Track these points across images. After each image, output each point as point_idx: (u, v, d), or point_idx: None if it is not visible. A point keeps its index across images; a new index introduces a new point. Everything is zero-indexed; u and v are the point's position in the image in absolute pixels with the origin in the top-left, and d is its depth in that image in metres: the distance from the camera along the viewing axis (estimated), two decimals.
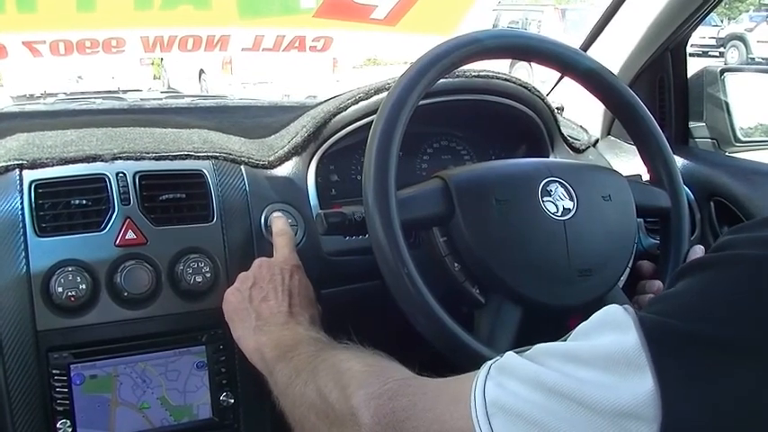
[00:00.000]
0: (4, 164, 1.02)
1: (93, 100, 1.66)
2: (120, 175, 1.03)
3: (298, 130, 1.18)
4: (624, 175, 1.05)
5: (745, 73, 1.59)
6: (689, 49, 1.47)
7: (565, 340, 0.60)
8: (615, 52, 1.42)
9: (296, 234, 1.08)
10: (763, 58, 13.42)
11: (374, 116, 0.90)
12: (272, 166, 1.16)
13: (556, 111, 1.33)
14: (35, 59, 1.34)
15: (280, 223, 1.06)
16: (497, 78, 1.23)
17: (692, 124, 1.47)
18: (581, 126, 1.50)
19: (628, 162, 1.33)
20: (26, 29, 1.30)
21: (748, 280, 0.52)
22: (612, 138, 1.48)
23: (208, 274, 1.01)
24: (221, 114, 1.37)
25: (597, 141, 1.48)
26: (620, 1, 1.41)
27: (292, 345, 0.87)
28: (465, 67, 1.09)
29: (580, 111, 1.51)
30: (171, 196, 1.05)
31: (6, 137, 1.13)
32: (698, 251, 1.03)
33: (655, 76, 1.45)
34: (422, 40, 1.51)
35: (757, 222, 0.59)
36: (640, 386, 0.50)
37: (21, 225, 0.96)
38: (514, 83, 1.25)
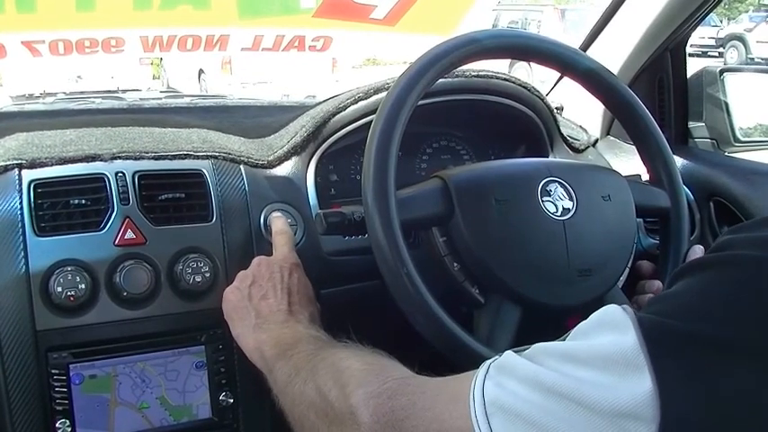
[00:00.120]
0: (3, 163, 1.02)
1: (92, 100, 1.66)
2: (120, 174, 1.02)
3: (297, 129, 1.18)
4: (624, 175, 1.05)
5: (744, 73, 1.59)
6: (688, 50, 1.47)
7: (564, 340, 0.60)
8: (615, 52, 1.42)
9: (295, 234, 1.08)
10: (762, 59, 13.43)
11: (373, 116, 0.90)
12: (272, 165, 1.16)
13: (555, 111, 1.33)
14: (34, 59, 1.34)
15: (279, 223, 1.06)
16: (497, 78, 1.23)
17: (691, 124, 1.47)
18: (580, 126, 1.50)
19: (627, 162, 1.33)
20: (25, 29, 1.30)
21: (747, 280, 0.52)
22: (612, 138, 1.48)
23: (207, 274, 1.01)
24: (221, 114, 1.37)
25: (597, 141, 1.48)
26: (620, 1, 1.41)
27: (292, 343, 0.87)
28: (464, 67, 1.09)
29: (580, 111, 1.51)
30: (170, 196, 1.05)
31: (5, 136, 1.13)
32: (697, 251, 1.03)
33: (654, 76, 1.45)
34: (421, 40, 1.51)
35: (756, 222, 0.59)
36: (639, 386, 0.50)
37: (20, 225, 0.96)
38: (514, 83, 1.25)
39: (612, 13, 1.44)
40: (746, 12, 16.97)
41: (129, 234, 1.00)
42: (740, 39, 14.65)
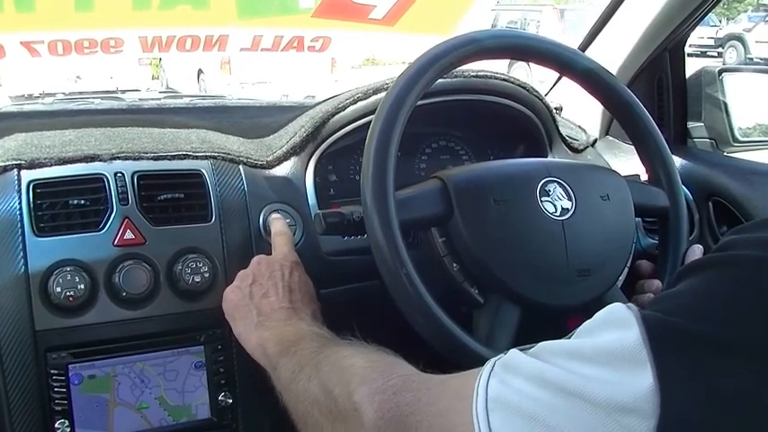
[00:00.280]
0: (2, 164, 1.02)
1: (91, 100, 1.66)
2: (119, 174, 1.02)
3: (296, 130, 1.18)
4: (623, 174, 1.05)
5: (743, 73, 1.59)
6: (687, 50, 1.47)
7: (569, 338, 0.60)
8: (614, 52, 1.42)
9: (294, 234, 1.09)
10: (761, 59, 13.44)
11: (372, 116, 0.90)
12: (271, 166, 1.16)
13: (554, 111, 1.33)
14: (33, 59, 1.34)
15: (278, 224, 1.06)
16: (496, 78, 1.23)
17: (690, 124, 1.47)
18: (579, 126, 1.50)
19: (626, 162, 1.33)
20: (24, 29, 1.30)
21: (747, 280, 0.52)
22: (611, 138, 1.48)
23: (206, 274, 1.01)
24: (220, 114, 1.37)
25: (596, 141, 1.48)
26: (619, 1, 1.41)
27: (295, 340, 0.87)
28: (463, 68, 1.09)
29: (579, 111, 1.51)
30: (169, 196, 1.05)
31: (5, 137, 1.13)
32: (696, 251, 1.03)
33: (653, 76, 1.45)
34: (420, 40, 1.51)
35: (758, 223, 0.59)
36: (640, 382, 0.50)
37: (19, 225, 0.96)
38: (513, 83, 1.25)
39: (611, 13, 1.44)
40: (745, 12, 16.98)
41: (129, 234, 1.00)
42: (739, 39, 14.66)
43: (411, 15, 1.52)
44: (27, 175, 1.01)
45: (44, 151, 1.04)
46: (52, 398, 0.96)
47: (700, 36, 13.55)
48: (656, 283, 1.01)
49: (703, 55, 13.74)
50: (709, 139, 1.45)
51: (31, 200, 0.98)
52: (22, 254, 0.95)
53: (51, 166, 1.02)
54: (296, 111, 1.28)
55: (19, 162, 1.02)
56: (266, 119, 1.31)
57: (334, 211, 0.95)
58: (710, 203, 1.31)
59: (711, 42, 14.64)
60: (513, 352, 0.61)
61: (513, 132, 1.31)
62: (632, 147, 1.08)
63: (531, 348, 0.60)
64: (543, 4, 13.85)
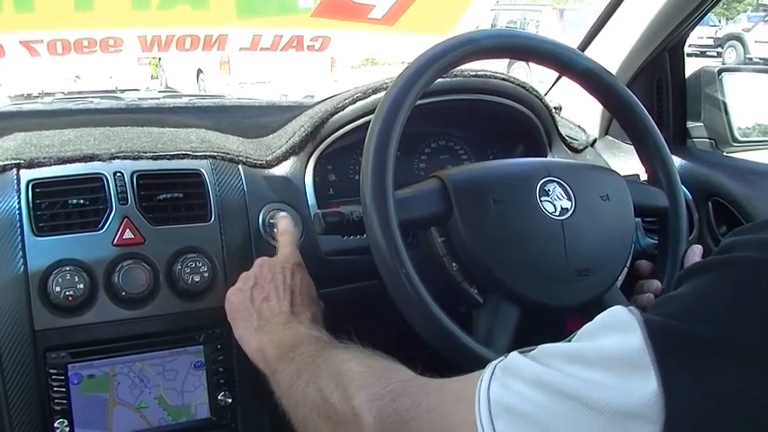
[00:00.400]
0: (1, 163, 1.02)
1: (90, 99, 1.65)
2: (118, 174, 1.02)
3: (295, 129, 1.18)
4: (622, 174, 1.05)
5: (742, 73, 1.59)
6: (687, 49, 1.47)
7: (569, 341, 0.60)
8: (613, 52, 1.42)
9: None
10: (760, 59, 13.44)
11: (372, 116, 0.90)
12: (270, 165, 1.16)
13: (554, 110, 1.33)
14: (33, 59, 1.34)
15: (284, 223, 1.06)
16: (495, 78, 1.23)
17: (689, 124, 1.47)
18: (579, 126, 1.50)
19: (626, 162, 1.33)
20: (24, 28, 1.30)
21: (747, 282, 0.52)
22: (610, 137, 1.48)
23: (206, 274, 1.01)
24: (219, 114, 1.37)
25: (595, 141, 1.48)
26: (619, 1, 1.41)
27: (293, 345, 0.87)
28: (463, 67, 1.09)
29: (578, 110, 1.51)
30: (169, 196, 1.05)
31: (4, 136, 1.13)
32: (696, 251, 1.03)
33: (653, 76, 1.45)
34: (419, 39, 1.51)
35: (759, 225, 0.59)
36: (644, 387, 0.50)
37: (18, 224, 0.96)
38: (512, 82, 1.25)
39: (611, 12, 1.44)
40: (745, 12, 16.99)
41: (128, 234, 1.00)
42: (738, 39, 14.66)
43: (410, 15, 1.52)
44: (26, 175, 1.00)
45: (43, 151, 1.04)
46: (51, 397, 0.96)
47: (699, 36, 13.54)
48: (656, 283, 1.01)
49: (703, 55, 13.73)
50: (709, 138, 1.45)
51: (31, 199, 0.98)
52: (21, 253, 0.95)
53: (50, 165, 1.02)
54: (295, 110, 1.28)
55: (18, 161, 1.02)
56: (265, 118, 1.31)
57: (333, 210, 0.95)
58: (710, 203, 1.31)
59: (711, 42, 14.64)
60: (513, 355, 0.61)
61: (512, 132, 1.31)
62: (632, 146, 1.08)
63: (531, 351, 0.60)
64: (543, 4, 13.87)
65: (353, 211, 0.92)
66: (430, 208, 0.91)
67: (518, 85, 1.25)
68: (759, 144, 1.50)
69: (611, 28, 1.45)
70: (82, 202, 1.01)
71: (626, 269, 0.99)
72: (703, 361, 0.50)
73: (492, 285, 0.91)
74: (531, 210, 0.92)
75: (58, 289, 0.94)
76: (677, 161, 1.24)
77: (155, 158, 1.07)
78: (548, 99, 1.34)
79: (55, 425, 0.95)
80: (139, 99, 1.74)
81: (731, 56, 14.22)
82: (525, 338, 0.73)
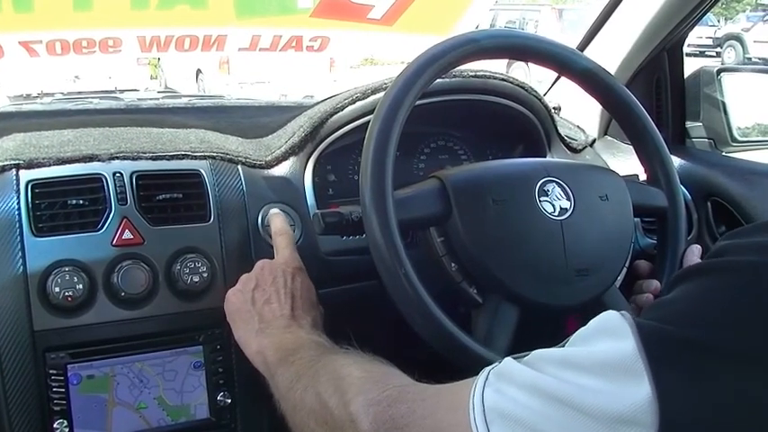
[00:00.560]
0: (0, 164, 1.02)
1: (90, 100, 1.65)
2: (117, 174, 1.02)
3: (295, 129, 1.18)
4: (621, 174, 1.05)
5: (741, 73, 1.59)
6: (686, 49, 1.47)
7: (563, 346, 0.60)
8: (612, 52, 1.42)
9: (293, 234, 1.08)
10: (759, 58, 13.45)
11: (371, 116, 0.90)
12: (270, 165, 1.16)
13: (553, 111, 1.33)
14: (32, 59, 1.34)
15: (278, 222, 1.05)
16: (494, 78, 1.23)
17: (688, 124, 1.47)
18: (578, 126, 1.50)
19: (625, 162, 1.33)
20: (23, 29, 1.30)
21: (744, 286, 0.52)
22: (609, 138, 1.49)
23: (205, 274, 1.01)
24: (218, 114, 1.37)
25: (594, 141, 1.48)
26: (618, 1, 1.41)
27: (293, 349, 0.87)
28: (462, 67, 1.09)
29: (577, 111, 1.51)
30: (168, 196, 1.05)
31: (3, 137, 1.13)
32: (695, 251, 1.03)
33: (652, 76, 1.45)
34: (419, 39, 1.51)
35: (754, 227, 0.59)
36: (638, 393, 0.50)
37: (17, 225, 0.96)
38: (511, 83, 1.25)
39: (610, 12, 1.44)
40: (744, 11, 17.02)
41: (127, 234, 0.99)
42: (737, 38, 14.68)
43: (409, 15, 1.52)
44: (25, 175, 1.00)
45: (43, 151, 1.04)
46: (51, 398, 0.96)
47: (698, 36, 13.57)
48: (655, 283, 1.01)
49: (702, 55, 13.76)
50: (708, 138, 1.45)
51: (30, 200, 0.98)
52: (20, 254, 0.95)
53: (50, 165, 1.02)
54: (294, 111, 1.28)
55: (17, 162, 1.02)
56: (265, 119, 1.31)
57: (332, 210, 0.95)
58: (709, 203, 1.31)
59: (710, 42, 14.67)
60: (507, 360, 0.61)
61: (511, 132, 1.31)
62: (631, 147, 1.08)
63: (525, 356, 0.60)
64: (542, 4, 13.88)
65: (353, 212, 0.92)
66: (429, 208, 0.91)
67: (517, 85, 1.25)
68: (758, 144, 1.50)
69: (609, 28, 1.45)
70: (81, 202, 1.01)
71: (625, 269, 0.99)
72: (699, 365, 0.50)
73: (491, 285, 0.91)
74: (531, 210, 0.92)
75: (57, 289, 0.94)
76: (676, 161, 1.24)
77: (154, 159, 1.07)
78: (547, 99, 1.34)
79: (54, 425, 0.95)
80: (139, 99, 1.74)
81: (730, 56, 14.24)
82: (525, 339, 0.74)
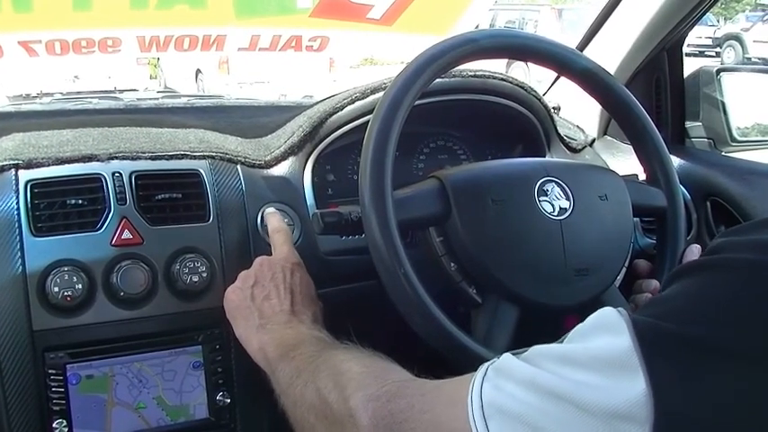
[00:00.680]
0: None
1: (89, 100, 1.65)
2: (117, 174, 1.02)
3: (294, 129, 1.18)
4: (621, 174, 1.05)
5: (741, 73, 1.59)
6: (685, 49, 1.47)
7: (561, 342, 0.60)
8: (612, 52, 1.42)
9: (292, 234, 1.08)
10: (759, 58, 13.46)
11: (370, 116, 0.90)
12: (269, 165, 1.16)
13: (552, 110, 1.33)
14: (31, 59, 1.34)
15: (274, 220, 1.05)
16: (494, 78, 1.23)
17: (688, 124, 1.47)
18: (577, 126, 1.50)
19: (624, 162, 1.33)
20: (22, 28, 1.30)
21: (740, 283, 0.52)
22: (609, 137, 1.49)
23: (204, 274, 1.01)
24: (218, 114, 1.37)
25: (594, 141, 1.48)
26: (617, 1, 1.41)
27: (294, 344, 0.87)
28: (461, 67, 1.09)
29: (577, 110, 1.51)
30: (167, 196, 1.05)
31: (2, 137, 1.13)
32: (694, 250, 1.03)
33: (651, 75, 1.45)
34: (418, 39, 1.51)
35: (751, 225, 0.59)
36: (633, 388, 0.50)
37: (17, 225, 0.96)
38: (511, 83, 1.25)
39: (609, 12, 1.44)
40: (743, 11, 17.02)
41: (126, 234, 0.99)
42: (737, 38, 14.69)
43: (409, 15, 1.52)
44: (25, 175, 1.00)
45: (42, 151, 1.04)
46: (50, 398, 0.96)
47: (698, 36, 13.57)
48: (654, 282, 1.01)
49: (701, 55, 13.76)
50: (707, 138, 1.45)
51: (29, 200, 0.98)
52: (19, 254, 0.95)
53: (49, 165, 1.02)
54: (294, 110, 1.28)
55: (16, 162, 1.02)
56: (264, 119, 1.31)
57: (332, 210, 0.95)
58: (708, 203, 1.31)
59: (709, 42, 14.67)
60: (506, 356, 0.61)
61: (511, 132, 1.31)
62: (630, 146, 1.08)
63: (523, 352, 0.60)
64: (541, 4, 13.88)
65: (352, 211, 0.92)
66: (428, 208, 0.91)
67: (517, 85, 1.25)
68: (757, 144, 1.50)
69: (609, 28, 1.45)
70: (80, 202, 1.01)
71: (624, 269, 0.99)
72: (694, 362, 0.50)
73: (490, 285, 0.91)
74: (530, 210, 0.92)
75: (56, 289, 0.94)
76: (676, 161, 1.24)
77: (153, 159, 1.07)
78: (546, 99, 1.34)
79: (53, 425, 0.95)
80: (138, 99, 1.74)
81: (730, 56, 14.25)
82: (524, 338, 0.74)
